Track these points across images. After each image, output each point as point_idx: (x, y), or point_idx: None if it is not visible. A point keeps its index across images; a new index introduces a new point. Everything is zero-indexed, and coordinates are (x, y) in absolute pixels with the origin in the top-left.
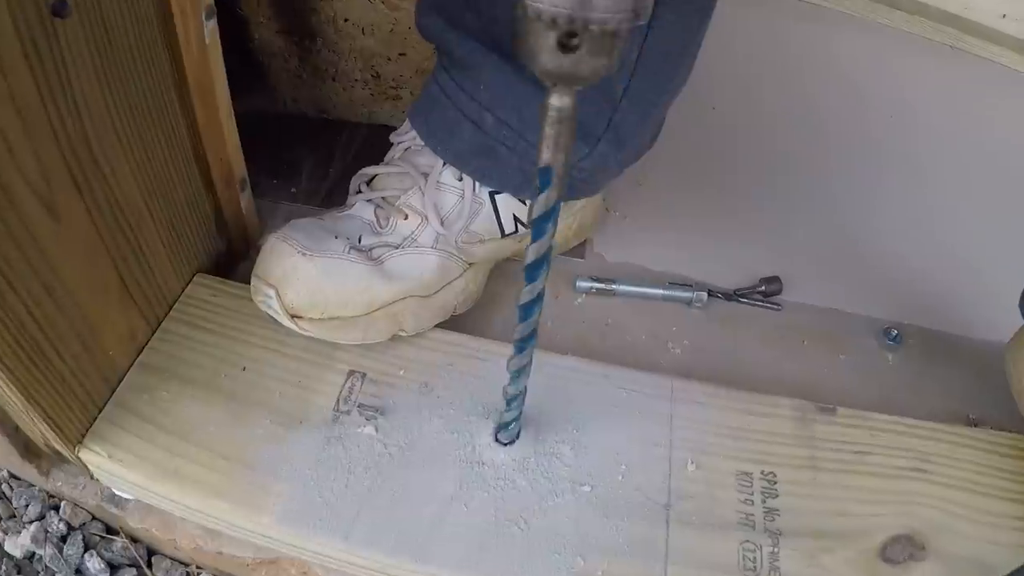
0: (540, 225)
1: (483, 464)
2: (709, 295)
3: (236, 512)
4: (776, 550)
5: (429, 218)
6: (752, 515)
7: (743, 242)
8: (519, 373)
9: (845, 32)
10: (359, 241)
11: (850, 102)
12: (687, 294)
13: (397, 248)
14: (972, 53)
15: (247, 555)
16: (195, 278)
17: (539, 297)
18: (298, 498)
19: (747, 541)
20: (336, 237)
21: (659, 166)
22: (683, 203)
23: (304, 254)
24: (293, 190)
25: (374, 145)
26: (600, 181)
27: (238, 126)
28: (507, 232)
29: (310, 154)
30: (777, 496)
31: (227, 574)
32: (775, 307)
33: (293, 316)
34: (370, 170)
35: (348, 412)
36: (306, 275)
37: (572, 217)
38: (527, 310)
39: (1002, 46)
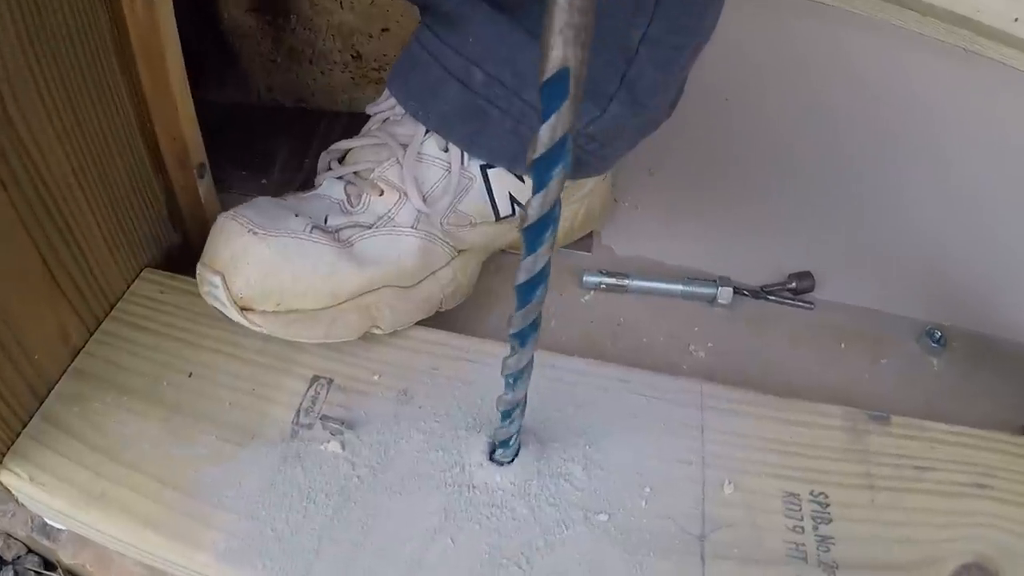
0: (548, 161)
1: (475, 489)
2: (734, 292)
3: (170, 547)
4: None
5: (408, 194)
6: (803, 545)
7: (767, 236)
8: (518, 376)
9: (858, 29)
10: (324, 221)
11: (867, 97)
12: (710, 290)
13: (370, 228)
14: (986, 56)
15: None
16: (142, 273)
17: (543, 274)
18: (244, 531)
19: None
20: (297, 215)
21: (671, 156)
22: (699, 194)
23: (255, 233)
24: (264, 182)
25: (355, 133)
26: (611, 155)
27: (207, 118)
28: (502, 215)
29: (284, 144)
30: (831, 521)
31: None
32: (807, 306)
33: (243, 309)
34: (343, 144)
35: (310, 426)
36: (258, 258)
37: (578, 203)
38: (527, 291)
39: (1015, 48)
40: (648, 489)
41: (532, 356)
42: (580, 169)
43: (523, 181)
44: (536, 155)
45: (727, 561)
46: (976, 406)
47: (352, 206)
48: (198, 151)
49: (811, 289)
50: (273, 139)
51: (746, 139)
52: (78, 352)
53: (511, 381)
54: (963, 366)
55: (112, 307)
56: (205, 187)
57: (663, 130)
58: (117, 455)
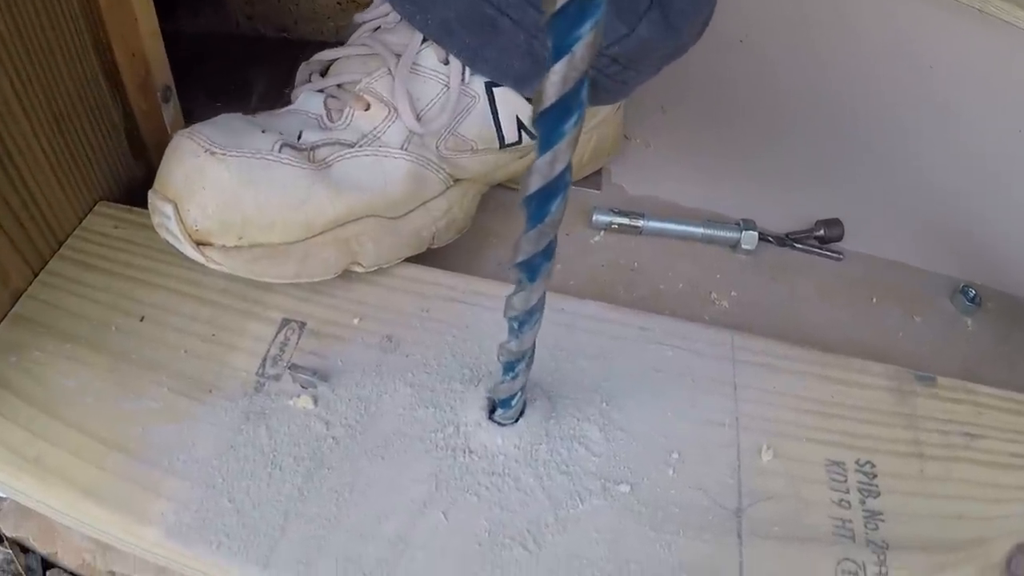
0: (575, 23)
1: (471, 453)
2: (759, 238)
3: (112, 520)
4: (883, 570)
5: (399, 110)
6: (850, 522)
7: (789, 181)
8: (525, 319)
9: None
10: (298, 138)
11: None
12: (733, 234)
13: (351, 147)
14: (1000, 18)
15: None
16: (96, 207)
17: (562, 180)
18: (197, 502)
19: (846, 559)
20: (264, 132)
21: (684, 94)
22: (716, 135)
23: (213, 152)
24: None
25: None
26: (632, 80)
27: (181, 48)
28: (507, 142)
29: (264, 75)
30: (879, 495)
31: None
32: (836, 256)
33: (199, 243)
34: (326, 54)
35: (277, 377)
36: (215, 182)
37: (588, 134)
38: (541, 203)
39: None
40: (676, 455)
41: (543, 294)
42: (597, 94)
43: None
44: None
45: (767, 541)
46: (1017, 369)
47: (332, 121)
48: (162, 71)
49: (840, 238)
50: (252, 70)
51: (765, 83)
52: (20, 295)
53: (516, 326)
54: (998, 327)
55: (61, 244)
56: (171, 113)
57: (675, 67)
58: (56, 411)
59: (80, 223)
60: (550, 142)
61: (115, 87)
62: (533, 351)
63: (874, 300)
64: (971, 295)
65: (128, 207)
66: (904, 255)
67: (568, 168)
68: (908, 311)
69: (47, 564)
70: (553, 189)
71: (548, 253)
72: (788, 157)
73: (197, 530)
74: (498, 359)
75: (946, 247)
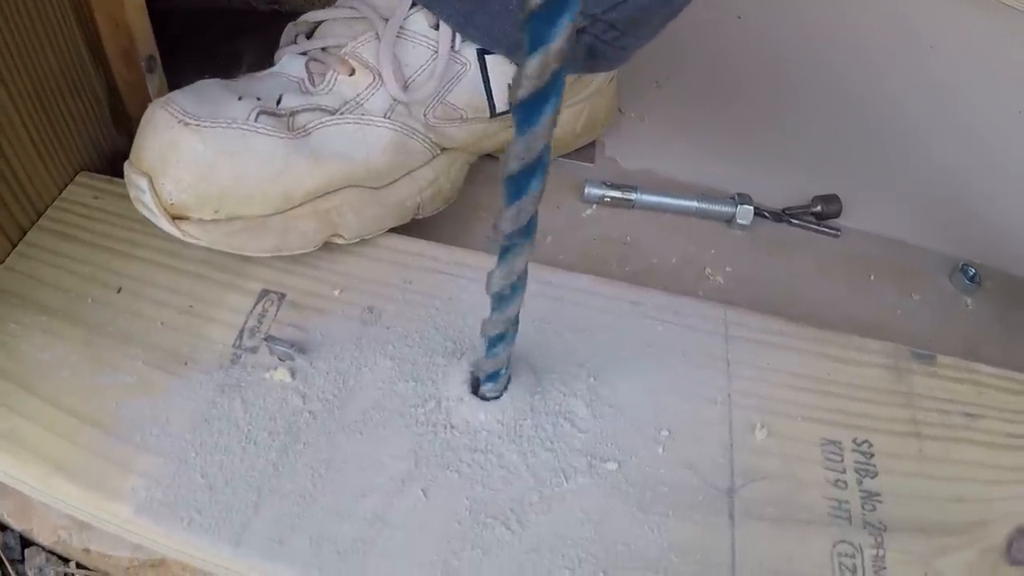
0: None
1: (453, 429)
2: (755, 213)
3: (83, 496)
4: (880, 552)
5: (384, 76)
6: (846, 503)
7: (785, 157)
8: (507, 294)
9: None
10: (277, 103)
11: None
12: (729, 208)
13: (332, 115)
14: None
15: (122, 554)
16: (77, 177)
17: (541, 160)
18: (169, 478)
19: (842, 541)
20: (241, 99)
21: (678, 68)
22: (712, 109)
23: (187, 124)
24: (218, 79)
25: None
26: (631, 46)
27: (165, 24)
28: (499, 110)
29: (253, 46)
30: (876, 475)
31: (103, 574)
32: (834, 232)
33: (175, 217)
34: (313, 15)
35: (254, 349)
36: (190, 155)
37: (581, 104)
38: (520, 181)
39: None
40: (666, 432)
41: (525, 268)
42: (594, 61)
43: None
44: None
45: (761, 522)
46: (1015, 350)
47: (314, 85)
48: (146, 41)
49: (837, 214)
50: (241, 42)
51: (762, 58)
52: None
53: (498, 300)
54: (998, 306)
55: (40, 215)
56: (156, 84)
57: (671, 42)
58: (30, 385)
59: (60, 194)
60: (528, 122)
61: (98, 58)
62: (516, 326)
63: (872, 277)
64: (971, 274)
65: (109, 177)
66: (902, 233)
67: (547, 148)
68: (906, 289)
69: (26, 542)
70: (534, 167)
71: (529, 229)
72: (785, 133)
73: (168, 507)
74: (481, 334)
75: (944, 226)
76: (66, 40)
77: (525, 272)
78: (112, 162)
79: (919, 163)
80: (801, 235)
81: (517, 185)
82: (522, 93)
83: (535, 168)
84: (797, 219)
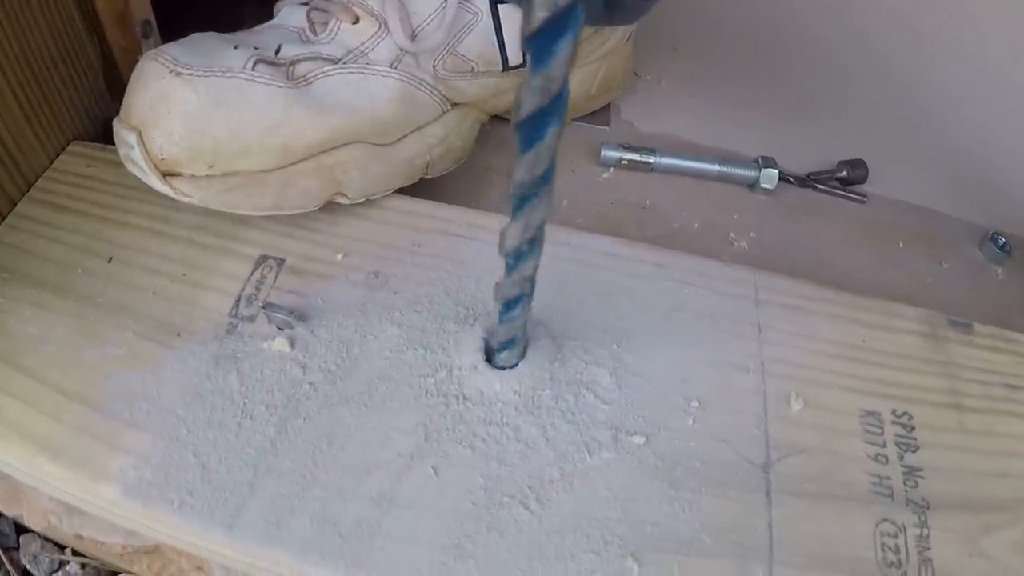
0: None
1: (466, 400)
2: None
3: (68, 478)
4: (924, 532)
5: (390, 24)
6: (888, 479)
7: (808, 121)
8: (522, 254)
9: None
10: (276, 53)
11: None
12: (751, 172)
13: (335, 64)
14: None
15: (115, 540)
16: (70, 146)
17: (558, 103)
18: (159, 457)
19: (885, 520)
20: (237, 48)
21: (695, 30)
22: (731, 72)
23: (179, 73)
24: (214, 32)
25: None
26: None
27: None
28: (511, 64)
29: (254, 14)
30: (917, 449)
31: (101, 562)
32: (860, 198)
33: (166, 174)
34: None
35: (251, 318)
36: (182, 106)
37: (597, 64)
38: (536, 126)
39: None
40: (696, 403)
41: (543, 222)
42: (614, 14)
43: None
44: None
45: (799, 498)
46: None
47: (315, 35)
48: (141, 5)
49: (864, 180)
50: (241, 10)
51: (782, 21)
52: None
53: (512, 262)
54: None
55: (31, 185)
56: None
57: (686, 2)
58: (15, 360)
59: (52, 164)
60: (543, 58)
61: (91, 23)
62: (532, 290)
63: (901, 245)
64: (1001, 243)
65: (102, 146)
66: (929, 200)
67: (564, 88)
68: (935, 258)
69: (21, 529)
70: (551, 109)
71: (546, 178)
72: (806, 97)
73: (158, 488)
74: (495, 299)
75: (973, 193)
76: (58, 5)
77: (543, 227)
78: (106, 131)
79: (946, 129)
80: (826, 201)
81: (533, 127)
82: (536, 22)
83: (552, 109)
84: (823, 184)
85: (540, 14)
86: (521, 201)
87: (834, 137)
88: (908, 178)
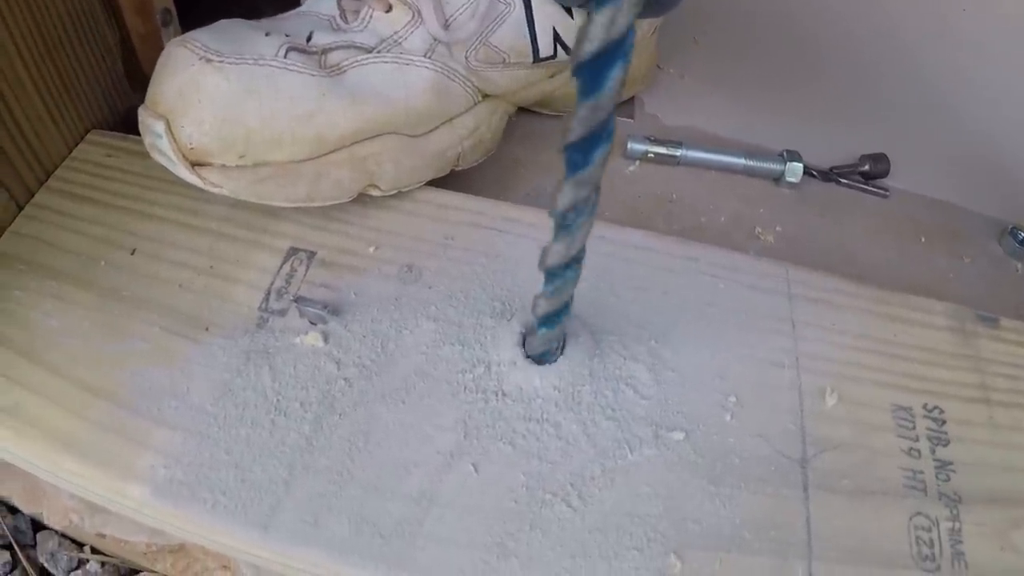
0: None
1: (505, 396)
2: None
3: (95, 477)
4: (957, 525)
5: (423, 13)
6: (921, 472)
7: (830, 115)
8: (563, 271)
9: None
10: (307, 40)
11: None
12: (777, 166)
13: (369, 52)
14: None
15: (139, 539)
16: (88, 135)
17: (606, 126)
18: (190, 455)
19: (919, 514)
20: (268, 35)
21: (716, 24)
22: (754, 66)
23: (210, 60)
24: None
25: None
26: None
27: None
28: (542, 55)
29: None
30: (948, 443)
31: (123, 560)
32: (882, 193)
33: (195, 164)
34: None
35: (283, 312)
36: (213, 93)
37: None
38: (586, 150)
39: None
40: (733, 399)
41: (584, 245)
42: (652, 7)
43: (572, 16)
44: None
45: (835, 493)
46: None
47: (346, 22)
48: None
49: (886, 174)
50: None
51: (802, 14)
52: (3, 231)
53: (553, 278)
54: None
55: (49, 175)
56: (171, 37)
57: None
58: (37, 355)
59: (70, 153)
60: (594, 90)
61: (110, 10)
62: (571, 302)
63: (922, 239)
64: (1021, 237)
65: (122, 135)
66: (950, 194)
67: (613, 112)
68: (957, 252)
69: (38, 525)
70: (596, 136)
71: (589, 203)
72: (828, 91)
73: (189, 487)
74: (533, 313)
75: (993, 188)
76: None
77: (583, 249)
78: (126, 120)
79: (967, 124)
80: (849, 195)
81: (581, 153)
82: (588, 49)
83: (600, 134)
84: (846, 178)
85: (589, 47)
86: (566, 221)
87: (856, 131)
88: (929, 172)
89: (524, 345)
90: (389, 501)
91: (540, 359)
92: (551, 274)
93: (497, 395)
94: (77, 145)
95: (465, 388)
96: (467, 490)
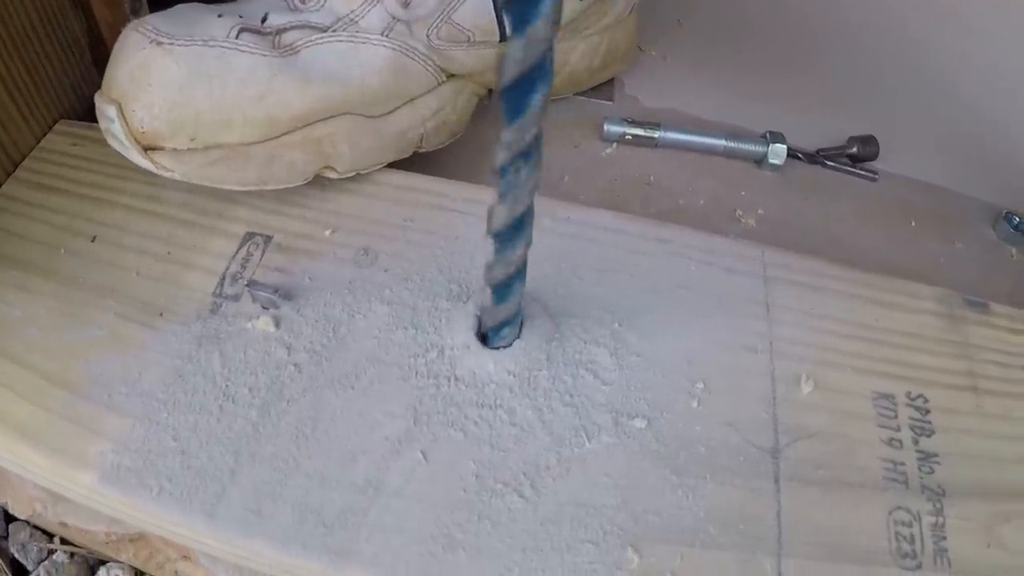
0: None
1: (458, 381)
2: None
3: (47, 464)
4: (940, 520)
5: None
6: (902, 464)
7: (816, 96)
8: (511, 234)
9: None
10: (262, 22)
11: None
12: (759, 148)
13: (324, 32)
14: None
15: (98, 528)
16: (56, 125)
17: (542, 65)
18: (138, 442)
19: (899, 508)
20: (221, 16)
21: (700, 7)
22: (738, 48)
23: (160, 43)
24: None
25: None
26: None
27: None
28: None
29: None
30: (932, 433)
31: (89, 551)
32: (871, 176)
33: (147, 148)
34: None
35: (236, 297)
36: (163, 76)
37: (599, 36)
38: (521, 91)
39: None
40: (700, 385)
41: (531, 204)
42: None
43: None
44: None
45: (809, 485)
46: None
47: (303, 2)
48: None
49: (875, 156)
50: None
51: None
52: None
53: (500, 243)
54: None
55: (16, 166)
56: None
57: None
58: (0, 345)
59: (38, 143)
60: (526, 17)
61: (78, 2)
62: (524, 271)
63: (912, 224)
64: (1015, 222)
65: (89, 124)
66: (941, 178)
67: (550, 50)
68: (948, 237)
69: (10, 517)
70: (538, 71)
71: (532, 152)
72: (814, 73)
73: (136, 474)
74: (485, 283)
75: (986, 172)
76: None
77: (531, 207)
78: (94, 110)
79: (959, 106)
80: (836, 178)
81: (519, 94)
82: (509, 75)
83: (536, 78)
84: (832, 161)
85: (510, 73)
86: (507, 176)
87: (844, 113)
88: (920, 155)
89: (479, 329)
90: (334, 490)
91: (496, 338)
92: (499, 237)
93: (449, 380)
94: (45, 135)
95: (417, 373)
96: (415, 478)
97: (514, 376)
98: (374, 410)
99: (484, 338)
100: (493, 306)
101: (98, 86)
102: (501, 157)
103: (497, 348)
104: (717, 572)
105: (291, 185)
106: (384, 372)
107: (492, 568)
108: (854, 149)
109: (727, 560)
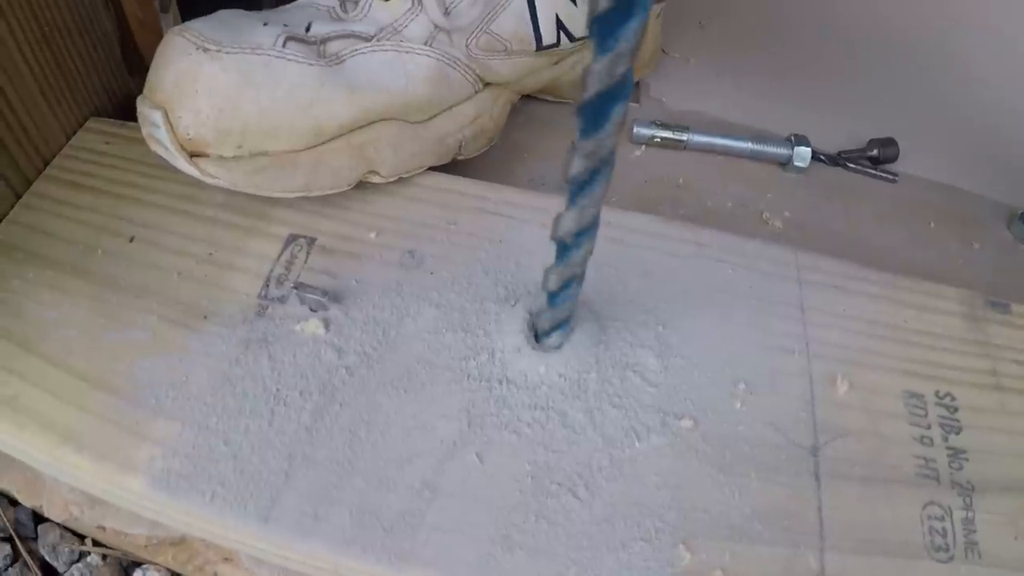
0: None
1: (510, 384)
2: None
3: (93, 469)
4: (970, 515)
5: (424, 2)
6: (933, 461)
7: (837, 99)
8: (576, 240)
9: None
10: (306, 30)
11: None
12: (784, 150)
13: (368, 42)
14: None
15: (139, 531)
16: (87, 123)
17: (624, 82)
18: (188, 446)
19: (931, 503)
20: (266, 24)
21: (723, 9)
22: (760, 50)
23: (207, 50)
24: (241, 9)
25: None
26: None
27: None
28: (544, 43)
29: None
30: (960, 431)
31: (124, 553)
32: (891, 178)
33: (193, 154)
34: None
35: (282, 299)
36: (210, 84)
37: None
38: (602, 107)
39: None
40: (742, 386)
41: (598, 213)
42: None
43: (575, 3)
44: None
45: (848, 482)
46: None
47: (346, 12)
48: None
49: (895, 159)
50: None
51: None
52: (1, 220)
53: (565, 248)
54: None
55: (47, 163)
56: (170, 23)
57: None
58: (34, 346)
59: (68, 141)
60: (611, 42)
61: None
62: (583, 275)
63: (931, 224)
64: None
65: (121, 122)
66: (959, 179)
67: (630, 70)
68: (966, 237)
69: (39, 518)
70: (613, 94)
71: (605, 165)
72: (834, 76)
73: (188, 479)
74: (544, 287)
75: (1002, 173)
76: None
77: (597, 216)
78: (124, 108)
79: (976, 108)
80: (857, 180)
81: (597, 110)
82: (603, 3)
83: (617, 91)
84: (854, 163)
85: (591, 89)
86: (580, 187)
87: (865, 116)
88: (938, 157)
89: (529, 331)
90: (391, 492)
91: (548, 340)
92: (564, 242)
93: (501, 382)
94: (75, 133)
95: (468, 376)
96: (471, 480)
97: (564, 379)
98: (427, 413)
99: (535, 340)
100: (549, 308)
101: (128, 84)
102: (576, 165)
103: (547, 351)
104: (764, 567)
105: (336, 191)
106: (435, 375)
107: (550, 567)
108: (875, 151)
109: (773, 555)
